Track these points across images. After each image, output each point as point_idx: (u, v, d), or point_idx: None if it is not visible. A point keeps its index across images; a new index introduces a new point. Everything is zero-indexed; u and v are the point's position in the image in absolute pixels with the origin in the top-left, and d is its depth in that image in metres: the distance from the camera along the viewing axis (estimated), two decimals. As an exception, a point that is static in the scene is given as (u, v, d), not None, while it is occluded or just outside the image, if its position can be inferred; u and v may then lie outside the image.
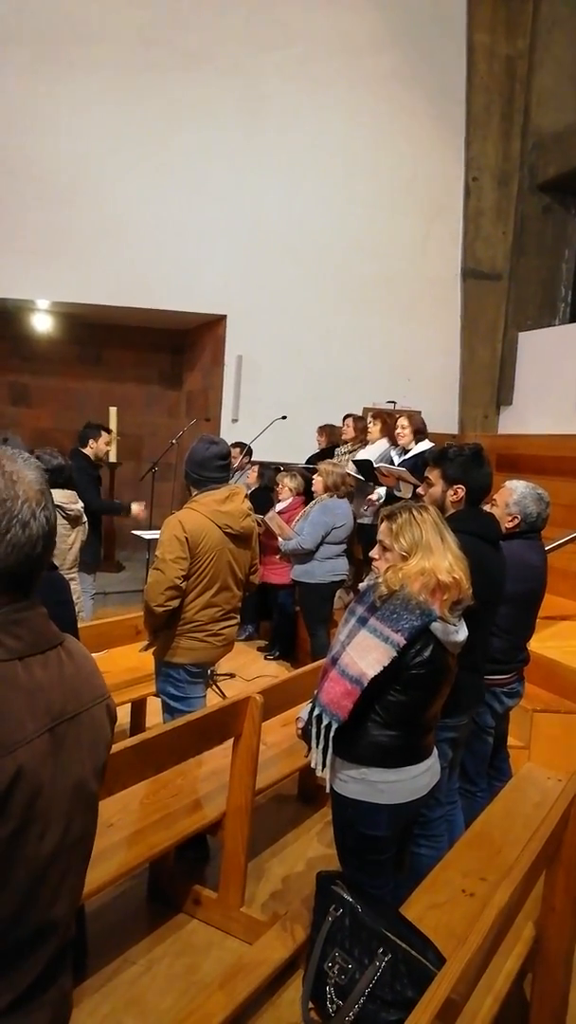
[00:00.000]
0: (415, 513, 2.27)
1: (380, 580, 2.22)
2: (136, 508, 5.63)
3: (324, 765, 2.23)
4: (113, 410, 8.42)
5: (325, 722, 2.19)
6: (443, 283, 8.49)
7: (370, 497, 5.63)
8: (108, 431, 5.78)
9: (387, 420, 6.08)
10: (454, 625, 2.22)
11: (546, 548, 3.56)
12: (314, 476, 5.42)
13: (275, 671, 5.73)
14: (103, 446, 5.59)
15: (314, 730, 2.23)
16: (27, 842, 1.05)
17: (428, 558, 2.19)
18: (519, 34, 8.18)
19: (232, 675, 5.45)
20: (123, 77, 7.33)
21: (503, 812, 3.04)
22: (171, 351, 9.44)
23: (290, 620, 6.14)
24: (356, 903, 2.04)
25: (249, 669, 5.73)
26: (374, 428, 6.09)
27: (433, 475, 2.87)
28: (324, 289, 8.09)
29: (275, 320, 7.98)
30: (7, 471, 1.08)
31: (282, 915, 2.76)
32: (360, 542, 5.79)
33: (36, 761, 1.05)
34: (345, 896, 2.07)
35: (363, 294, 8.22)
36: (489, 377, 8.56)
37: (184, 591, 3.18)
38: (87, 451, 5.47)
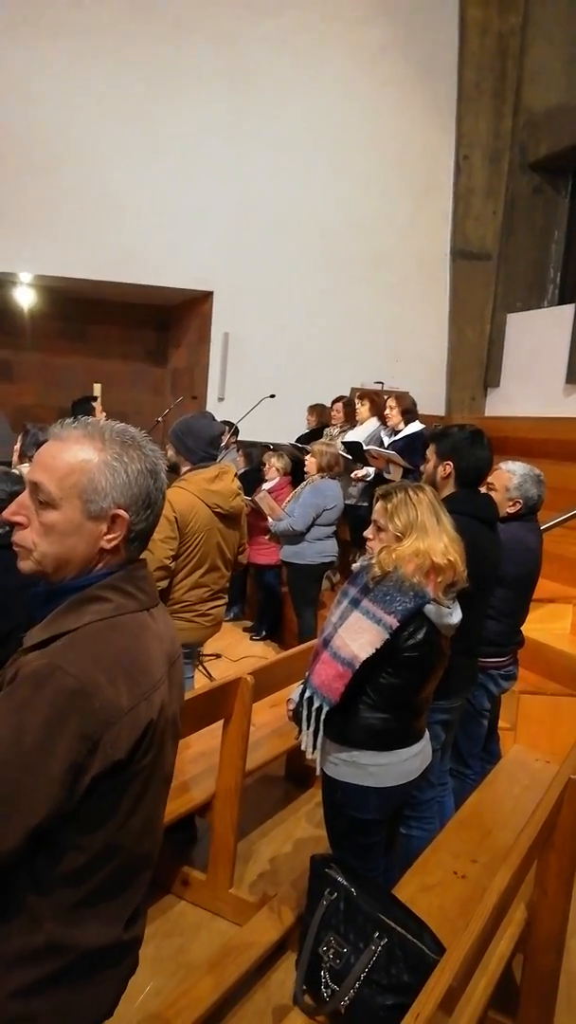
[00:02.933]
0: (411, 493, 2.23)
1: (373, 561, 2.18)
2: None
3: (315, 747, 2.20)
4: (97, 386, 8.27)
5: (316, 704, 2.16)
6: (432, 263, 8.41)
7: (356, 473, 5.56)
8: (95, 399, 5.63)
9: (375, 399, 6.02)
10: (448, 608, 2.18)
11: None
12: (306, 456, 5.36)
13: (261, 652, 5.71)
14: (100, 417, 5.48)
15: (305, 712, 2.20)
16: (159, 765, 1.23)
17: (423, 539, 2.15)
18: (512, 10, 8.05)
19: (218, 656, 5.42)
20: (109, 45, 7.14)
21: (493, 794, 3.05)
22: (156, 328, 9.30)
23: (277, 600, 6.10)
24: (351, 887, 2.02)
25: (235, 649, 5.70)
26: (362, 408, 6.02)
27: (429, 451, 2.86)
28: (313, 267, 7.98)
29: (262, 297, 7.87)
30: (147, 454, 1.26)
31: (271, 896, 2.75)
32: (347, 522, 5.75)
33: (166, 696, 1.24)
34: (339, 879, 2.04)
35: (352, 272, 8.12)
36: (477, 358, 8.52)
37: (173, 571, 3.12)
38: None
